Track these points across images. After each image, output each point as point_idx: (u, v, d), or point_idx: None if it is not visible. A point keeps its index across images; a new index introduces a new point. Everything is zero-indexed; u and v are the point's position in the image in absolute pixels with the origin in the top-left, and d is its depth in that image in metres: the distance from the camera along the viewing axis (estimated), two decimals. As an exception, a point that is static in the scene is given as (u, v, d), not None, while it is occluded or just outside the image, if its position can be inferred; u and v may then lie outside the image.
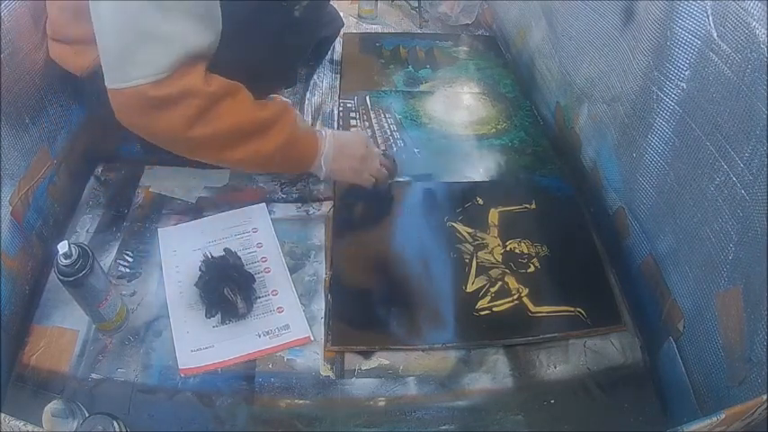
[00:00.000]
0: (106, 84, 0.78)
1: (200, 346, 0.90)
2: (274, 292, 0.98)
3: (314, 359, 0.91)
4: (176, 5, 0.74)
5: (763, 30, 0.67)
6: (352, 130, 1.20)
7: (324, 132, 1.01)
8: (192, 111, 0.78)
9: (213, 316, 0.93)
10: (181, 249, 1.03)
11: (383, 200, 1.15)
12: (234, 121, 0.83)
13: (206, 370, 0.88)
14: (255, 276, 0.97)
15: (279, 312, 0.95)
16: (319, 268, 1.03)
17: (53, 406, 0.68)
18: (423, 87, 1.50)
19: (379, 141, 1.31)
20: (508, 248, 1.07)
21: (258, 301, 0.96)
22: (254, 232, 1.07)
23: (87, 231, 1.07)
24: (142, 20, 0.73)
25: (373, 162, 1.07)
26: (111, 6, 0.74)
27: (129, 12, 0.73)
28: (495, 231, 1.10)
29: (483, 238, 1.09)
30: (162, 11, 0.73)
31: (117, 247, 1.04)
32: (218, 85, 0.80)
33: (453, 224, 1.11)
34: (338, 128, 1.34)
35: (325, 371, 0.89)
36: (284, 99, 0.96)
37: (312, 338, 0.92)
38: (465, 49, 1.70)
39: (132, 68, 0.75)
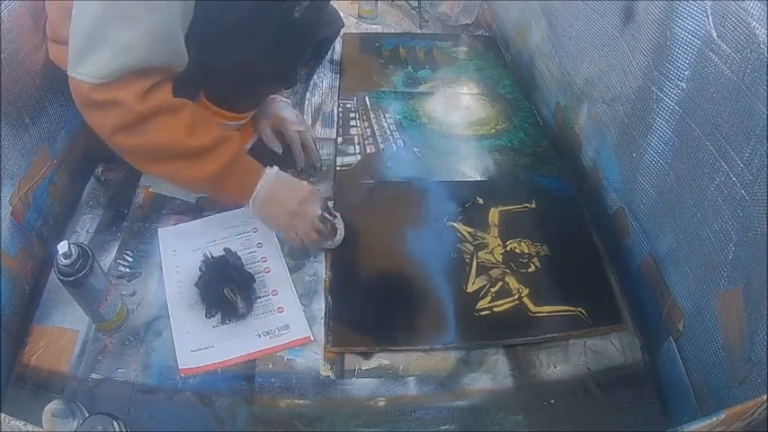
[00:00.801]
0: (67, 66, 0.80)
1: (200, 346, 0.90)
2: (274, 292, 0.98)
3: (314, 359, 0.91)
4: (132, 19, 0.75)
5: (762, 30, 0.67)
6: (302, 181, 1.03)
7: (270, 171, 0.96)
8: (117, 121, 0.80)
9: (213, 316, 0.93)
10: (181, 249, 1.03)
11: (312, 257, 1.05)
12: (156, 140, 0.83)
13: (206, 370, 0.88)
14: (255, 276, 0.97)
15: (279, 312, 0.95)
16: (319, 268, 1.03)
17: (53, 406, 0.68)
18: (422, 88, 1.50)
19: (379, 141, 1.31)
20: (508, 248, 1.07)
21: (258, 301, 0.96)
22: (254, 232, 1.07)
23: (87, 231, 1.07)
24: (101, 23, 0.75)
25: (303, 222, 0.97)
26: (80, 5, 0.77)
27: (96, 11, 0.75)
28: (495, 231, 1.10)
29: (483, 238, 1.09)
30: (119, 20, 0.75)
31: (117, 247, 1.04)
32: (153, 103, 0.80)
33: (453, 224, 1.11)
34: (338, 129, 1.35)
35: (325, 371, 0.89)
36: (231, 132, 0.92)
37: (312, 338, 0.92)
38: (464, 49, 1.70)
39: (81, 64, 0.77)
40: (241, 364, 0.89)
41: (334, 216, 1.03)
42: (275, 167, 0.97)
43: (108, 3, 0.75)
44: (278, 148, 1.19)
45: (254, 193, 0.94)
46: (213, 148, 0.87)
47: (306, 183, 1.01)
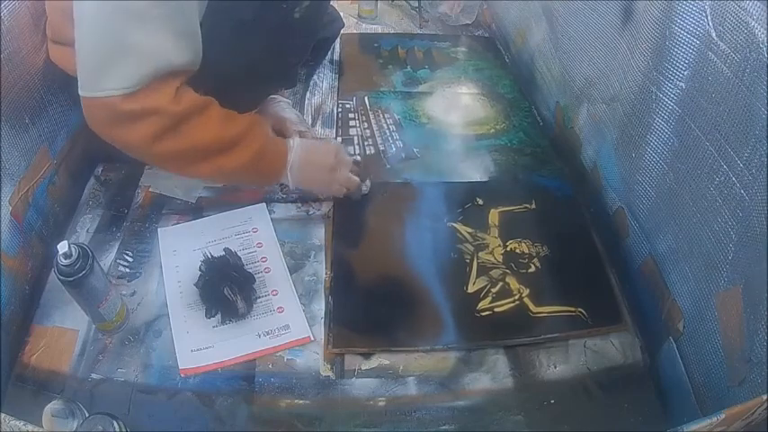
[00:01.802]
0: (79, 90, 0.78)
1: (200, 346, 0.90)
2: (274, 292, 0.98)
3: (314, 359, 0.91)
4: (155, 20, 0.74)
5: (761, 29, 0.67)
6: (324, 139, 1.14)
7: (292, 142, 1.00)
8: (156, 128, 0.79)
9: (213, 316, 0.93)
10: (181, 249, 1.03)
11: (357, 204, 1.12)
12: (198, 139, 0.84)
13: (206, 370, 0.88)
14: (255, 276, 0.97)
15: (279, 312, 0.95)
16: (319, 268, 1.03)
17: (53, 406, 0.68)
18: (421, 88, 1.50)
19: (379, 142, 1.31)
20: (509, 249, 1.07)
21: (258, 301, 0.96)
22: (254, 232, 1.07)
23: (87, 231, 1.07)
24: (120, 31, 0.73)
25: (342, 172, 1.04)
26: (93, 14, 0.74)
27: (109, 21, 0.73)
28: (495, 231, 1.10)
29: (483, 239, 1.09)
30: (140, 24, 0.73)
31: (117, 247, 1.04)
32: (187, 103, 0.80)
33: (453, 224, 1.11)
34: (337, 129, 1.35)
35: (326, 371, 0.89)
36: (253, 115, 0.95)
37: (312, 338, 0.92)
38: (463, 49, 1.70)
39: (105, 79, 0.75)
40: (241, 364, 0.89)
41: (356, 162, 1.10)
42: (296, 136, 1.02)
43: (122, 7, 0.72)
44: None
45: (289, 165, 0.97)
46: (247, 134, 0.89)
47: (321, 138, 1.07)
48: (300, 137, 1.16)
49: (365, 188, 1.11)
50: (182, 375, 0.87)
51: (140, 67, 0.75)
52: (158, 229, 1.07)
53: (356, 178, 1.07)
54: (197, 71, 0.88)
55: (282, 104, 1.20)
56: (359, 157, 1.12)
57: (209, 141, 0.85)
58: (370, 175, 1.13)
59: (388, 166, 1.24)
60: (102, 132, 0.81)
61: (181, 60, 0.79)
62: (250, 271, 0.98)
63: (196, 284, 0.95)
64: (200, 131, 0.83)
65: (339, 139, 1.29)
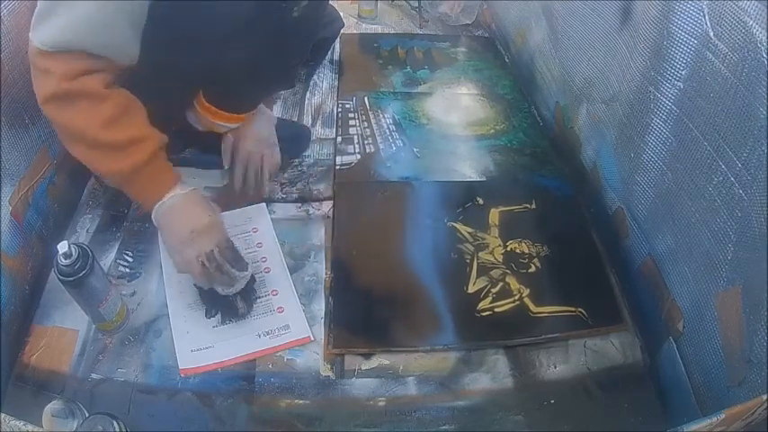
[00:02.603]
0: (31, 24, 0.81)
1: (200, 346, 0.90)
2: (274, 292, 0.98)
3: (314, 359, 0.91)
4: (81, 1, 0.76)
5: (760, 29, 0.67)
6: (213, 211, 0.93)
7: (180, 189, 0.90)
8: (47, 90, 0.81)
9: (213, 316, 0.93)
10: (181, 249, 1.03)
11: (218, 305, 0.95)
12: (73, 122, 0.83)
13: (206, 370, 0.88)
14: (255, 276, 0.97)
15: (279, 312, 0.95)
16: (319, 268, 1.03)
17: (53, 406, 0.68)
18: (421, 88, 1.51)
19: (378, 141, 1.31)
20: (509, 248, 1.07)
21: (258, 301, 0.96)
22: (254, 232, 1.07)
23: (87, 231, 1.07)
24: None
25: (189, 251, 0.88)
26: None
27: None
28: (495, 231, 1.10)
29: (483, 239, 1.09)
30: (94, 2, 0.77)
31: (117, 247, 1.04)
32: (79, 86, 0.81)
33: (454, 224, 1.11)
34: (337, 129, 1.35)
35: (326, 371, 0.89)
36: (151, 134, 0.87)
37: (312, 338, 0.92)
38: (463, 50, 1.70)
39: (37, 29, 0.79)
40: (241, 364, 0.89)
41: (238, 260, 0.91)
42: (193, 187, 0.92)
43: None
44: (225, 162, 1.13)
45: (158, 205, 0.89)
46: (124, 147, 0.85)
47: (212, 215, 0.90)
48: (250, 158, 1.11)
49: (220, 290, 0.91)
50: (181, 375, 0.87)
51: (58, 34, 0.77)
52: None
53: (198, 267, 0.88)
54: (195, 70, 0.88)
55: (261, 119, 1.14)
56: (241, 273, 0.90)
57: (79, 130, 0.83)
58: (239, 282, 0.91)
59: (388, 165, 1.25)
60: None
61: (93, 46, 0.79)
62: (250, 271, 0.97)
63: (196, 284, 0.95)
64: (77, 117, 0.83)
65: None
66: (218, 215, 0.92)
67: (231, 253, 0.91)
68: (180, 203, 0.90)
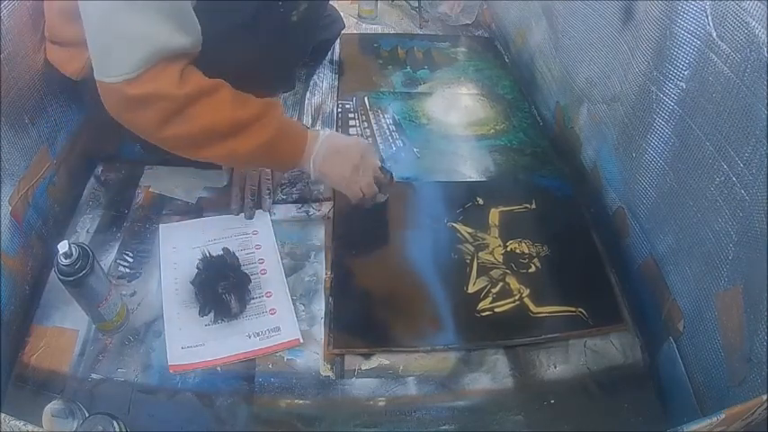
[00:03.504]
0: (95, 74, 0.79)
1: (191, 343, 0.90)
2: (268, 294, 0.98)
3: (314, 359, 0.91)
4: (145, 6, 0.75)
5: (762, 29, 0.67)
6: (353, 135, 1.10)
7: (322, 132, 0.98)
8: (161, 112, 0.79)
9: (206, 314, 0.93)
10: (180, 246, 1.03)
11: (374, 213, 1.08)
12: (207, 122, 0.83)
13: (195, 368, 0.88)
14: (251, 277, 0.97)
15: (271, 314, 0.95)
16: (319, 269, 1.03)
17: (53, 406, 0.68)
18: (421, 88, 1.50)
19: (378, 141, 1.31)
20: (509, 249, 1.07)
21: (252, 301, 0.96)
22: (253, 234, 1.07)
23: (87, 231, 1.07)
24: (114, 19, 0.75)
25: (365, 175, 1.00)
26: (91, 5, 0.77)
27: (104, 11, 0.75)
28: (495, 231, 1.10)
29: (483, 239, 1.09)
30: (132, 11, 0.75)
31: (117, 247, 1.04)
32: (193, 86, 0.80)
33: (454, 224, 1.11)
34: (337, 129, 1.34)
35: (325, 371, 0.89)
36: (269, 99, 0.90)
37: (301, 341, 0.92)
38: (463, 50, 1.70)
39: (109, 65, 0.77)
40: (241, 364, 0.89)
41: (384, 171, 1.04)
42: (325, 129, 1.01)
43: (113, 2, 0.74)
44: (224, 180, 1.15)
45: (314, 153, 0.95)
46: (261, 116, 0.87)
47: (355, 137, 1.02)
48: (247, 176, 1.12)
49: (381, 198, 1.06)
50: (171, 372, 0.87)
51: (136, 53, 0.75)
52: (160, 225, 1.07)
53: (375, 187, 1.02)
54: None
55: None
56: (389, 171, 1.05)
57: (220, 124, 0.84)
58: (391, 185, 1.07)
59: (388, 165, 1.24)
60: (116, 116, 0.82)
61: (177, 43, 0.78)
62: (247, 272, 0.98)
63: (192, 282, 0.95)
64: (209, 114, 0.82)
65: (367, 131, 1.28)
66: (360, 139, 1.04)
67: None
68: (332, 143, 0.97)
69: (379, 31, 1.80)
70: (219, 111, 0.83)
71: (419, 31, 1.82)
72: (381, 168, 1.03)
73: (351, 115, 1.39)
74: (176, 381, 0.86)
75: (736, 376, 0.72)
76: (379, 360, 0.91)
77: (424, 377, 0.90)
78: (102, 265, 0.89)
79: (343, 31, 1.55)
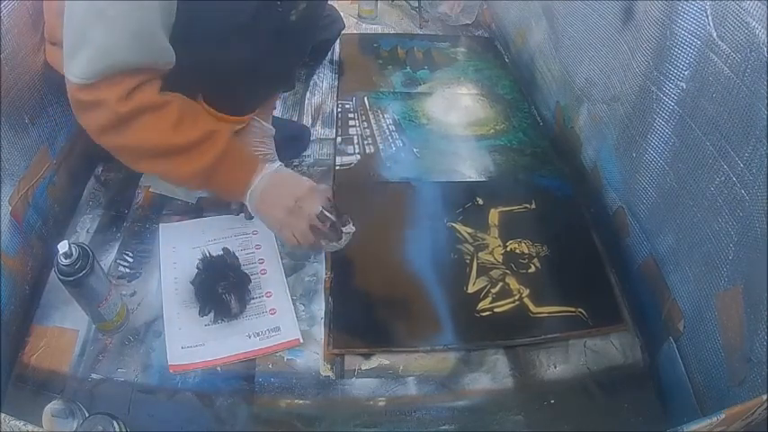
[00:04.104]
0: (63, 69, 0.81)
1: (191, 343, 0.90)
2: (268, 294, 0.98)
3: (314, 359, 0.91)
4: (112, 20, 0.75)
5: (762, 30, 0.67)
6: (305, 178, 0.95)
7: (270, 167, 0.92)
8: (102, 121, 0.80)
9: (206, 314, 0.93)
10: (180, 246, 1.03)
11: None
12: (143, 140, 0.83)
13: (195, 368, 0.88)
14: (251, 277, 0.97)
15: (271, 314, 0.95)
16: (319, 269, 1.03)
17: (53, 406, 0.68)
18: (421, 88, 1.51)
19: (378, 141, 1.31)
20: (508, 249, 1.07)
21: (252, 302, 0.96)
22: (254, 234, 1.07)
23: (87, 231, 1.07)
24: (83, 26, 0.76)
25: (299, 220, 0.90)
26: (69, 6, 0.78)
27: (78, 15, 0.77)
28: (495, 232, 1.10)
29: (483, 239, 1.09)
30: (99, 21, 0.75)
31: (117, 248, 1.04)
32: (136, 103, 0.80)
33: (453, 225, 1.11)
34: (337, 129, 1.35)
35: (325, 371, 0.89)
36: (220, 125, 0.89)
37: (301, 341, 0.92)
38: (463, 50, 1.70)
39: (70, 66, 0.78)
40: (241, 364, 0.89)
41: (340, 216, 0.92)
42: (277, 163, 0.95)
43: (90, 3, 0.75)
44: None
45: (251, 189, 0.91)
46: (200, 143, 0.86)
47: (307, 179, 0.93)
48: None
49: (332, 247, 0.94)
50: (171, 372, 0.87)
51: (95, 62, 0.76)
52: (160, 225, 1.07)
53: (311, 236, 0.90)
54: (194, 74, 0.88)
55: (257, 136, 1.11)
56: (348, 227, 0.92)
57: (155, 144, 0.83)
58: (346, 235, 0.92)
59: (388, 165, 1.24)
60: (73, 111, 0.83)
61: (136, 61, 0.78)
62: (247, 272, 0.98)
63: (192, 282, 0.95)
64: (147, 132, 0.82)
65: (328, 184, 1.16)
66: (305, 182, 0.93)
67: (335, 209, 0.92)
68: (273, 180, 0.91)
69: (379, 31, 1.80)
70: (155, 131, 0.83)
71: (419, 31, 1.82)
72: (325, 215, 0.90)
73: (351, 115, 1.39)
74: (176, 381, 0.86)
75: (736, 376, 0.72)
76: (379, 360, 0.91)
77: (424, 377, 0.90)
78: (102, 265, 0.89)
79: (343, 31, 1.55)
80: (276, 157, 1.13)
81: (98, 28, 0.76)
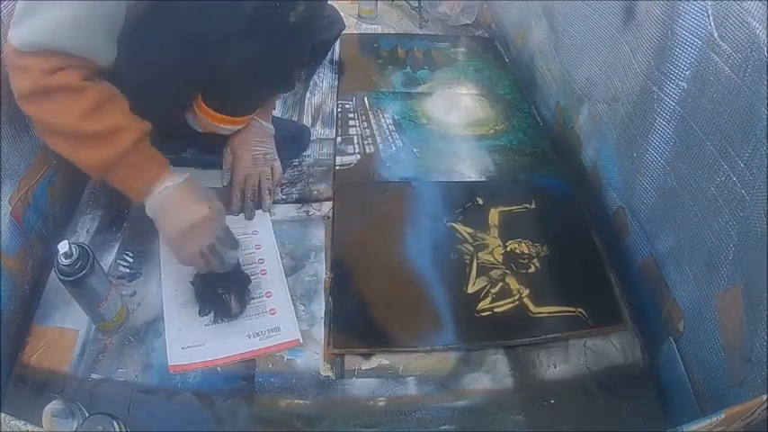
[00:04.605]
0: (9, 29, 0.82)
1: (191, 343, 0.90)
2: (268, 294, 0.98)
3: (314, 359, 0.91)
4: (70, 7, 0.77)
5: (763, 30, 0.67)
6: (210, 200, 0.92)
7: (172, 181, 0.88)
8: (25, 87, 0.81)
9: (206, 314, 0.93)
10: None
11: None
12: (51, 117, 0.83)
13: (195, 368, 0.88)
14: (251, 277, 0.97)
15: (271, 314, 0.95)
16: (319, 269, 1.03)
17: (53, 406, 0.68)
18: (421, 88, 1.51)
19: (378, 141, 1.31)
20: (508, 249, 1.07)
21: (252, 301, 0.96)
22: (254, 234, 1.07)
23: (87, 231, 1.07)
24: None
25: (190, 245, 0.89)
26: None
27: None
28: (495, 232, 1.10)
29: (483, 239, 1.09)
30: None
31: (117, 248, 1.04)
32: (60, 79, 0.80)
33: (453, 225, 1.11)
34: (337, 129, 1.34)
35: (325, 371, 0.89)
36: (133, 123, 0.86)
37: (301, 341, 0.92)
38: (463, 50, 1.70)
39: (14, 28, 0.79)
40: (241, 364, 0.89)
41: (233, 242, 0.94)
42: (187, 174, 0.91)
43: None
44: (224, 180, 1.14)
45: (151, 196, 0.88)
46: (105, 136, 0.84)
47: (208, 203, 0.90)
48: (247, 180, 1.11)
49: (220, 268, 0.92)
50: (171, 372, 0.87)
51: (35, 35, 0.78)
52: None
53: (201, 261, 0.90)
54: (194, 74, 0.88)
55: (262, 137, 1.13)
56: (232, 252, 0.93)
57: (62, 124, 0.83)
58: (229, 262, 0.93)
59: (388, 165, 1.24)
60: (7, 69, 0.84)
61: (71, 47, 0.80)
62: (247, 272, 0.98)
63: (192, 282, 0.95)
64: (55, 110, 0.82)
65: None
66: (215, 203, 0.92)
67: (230, 240, 0.93)
68: (175, 195, 0.88)
69: (379, 31, 1.80)
70: (65, 112, 0.83)
71: (419, 31, 1.82)
72: (214, 248, 0.90)
73: (350, 115, 1.39)
74: (176, 381, 0.86)
75: (736, 376, 0.72)
76: (379, 360, 0.91)
77: (424, 377, 0.90)
78: (102, 265, 0.89)
79: (343, 32, 1.55)
80: (276, 157, 1.14)
81: (45, 4, 0.77)
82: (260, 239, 1.06)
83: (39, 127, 0.87)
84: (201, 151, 1.16)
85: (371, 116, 1.38)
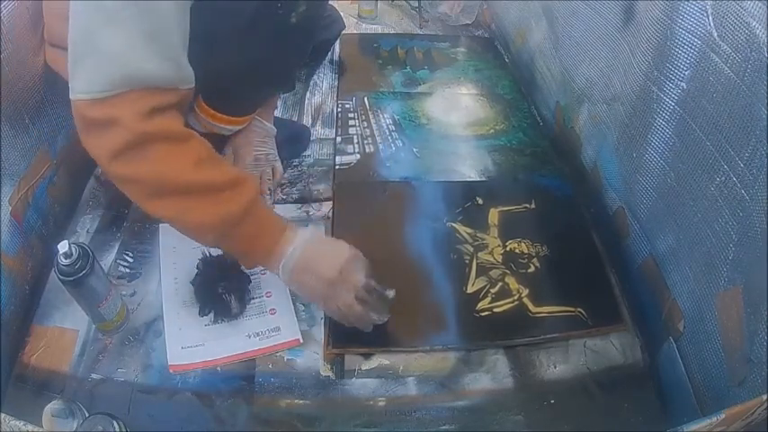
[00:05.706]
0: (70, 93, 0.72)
1: (191, 343, 0.90)
2: (268, 294, 0.98)
3: (314, 359, 0.91)
4: (125, 21, 0.67)
5: (763, 30, 0.67)
6: (337, 241, 0.87)
7: (302, 234, 0.83)
8: (115, 143, 0.69)
9: (206, 314, 0.93)
10: (180, 246, 1.02)
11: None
12: (161, 168, 0.71)
13: (195, 368, 0.88)
14: (251, 277, 0.97)
15: (271, 314, 0.95)
16: (319, 268, 1.03)
17: (53, 406, 0.68)
18: (421, 88, 1.51)
19: (378, 141, 1.31)
20: (508, 249, 1.07)
21: (252, 302, 0.96)
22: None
23: (87, 231, 1.07)
24: (90, 32, 0.68)
25: (344, 293, 0.82)
26: (76, 13, 0.69)
27: (86, 20, 0.68)
28: (494, 231, 1.10)
29: (483, 239, 1.09)
30: (111, 25, 0.67)
31: (117, 248, 1.04)
32: (158, 125, 0.70)
33: (453, 225, 1.11)
34: (337, 129, 1.34)
35: (325, 371, 0.89)
36: (247, 174, 0.79)
37: (301, 341, 0.92)
38: (463, 50, 1.70)
39: (76, 81, 0.69)
40: (241, 364, 0.89)
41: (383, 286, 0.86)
42: (310, 226, 0.85)
43: (94, 7, 0.67)
44: None
45: (284, 259, 0.81)
46: (225, 188, 0.75)
47: (346, 245, 0.84)
48: (261, 178, 1.08)
49: (378, 320, 0.87)
50: (171, 372, 0.87)
51: (106, 71, 0.67)
52: (160, 225, 1.07)
53: (359, 308, 0.83)
54: (195, 73, 0.88)
55: (263, 136, 1.13)
56: (389, 291, 0.86)
57: (170, 175, 0.72)
58: (391, 301, 0.87)
59: (388, 164, 1.24)
60: (81, 139, 0.73)
61: (151, 71, 0.69)
62: (246, 272, 0.98)
63: (192, 282, 0.95)
64: (164, 161, 0.71)
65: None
66: (344, 249, 0.84)
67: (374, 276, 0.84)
68: (310, 250, 0.81)
69: (379, 31, 1.80)
70: (179, 161, 0.72)
71: (419, 31, 1.82)
72: (370, 284, 0.84)
73: (351, 115, 1.39)
74: (176, 381, 0.86)
75: (736, 376, 0.72)
76: (379, 360, 0.91)
77: (424, 377, 0.90)
78: (102, 265, 0.89)
79: (343, 32, 1.55)
80: (277, 157, 1.14)
81: (107, 31, 0.66)
82: (260, 239, 1.06)
83: (136, 189, 0.74)
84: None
85: (371, 116, 1.38)
